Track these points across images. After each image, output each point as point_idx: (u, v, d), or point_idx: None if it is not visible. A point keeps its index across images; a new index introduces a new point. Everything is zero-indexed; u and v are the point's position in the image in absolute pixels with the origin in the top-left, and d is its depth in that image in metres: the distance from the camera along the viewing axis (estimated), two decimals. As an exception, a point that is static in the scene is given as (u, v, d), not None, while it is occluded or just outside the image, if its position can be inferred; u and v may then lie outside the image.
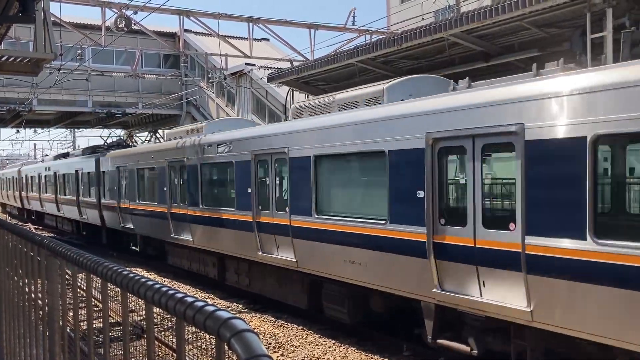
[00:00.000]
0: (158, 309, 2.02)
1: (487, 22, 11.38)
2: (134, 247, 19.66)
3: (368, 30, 26.81)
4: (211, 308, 1.53)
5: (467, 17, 11.74)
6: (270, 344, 10.25)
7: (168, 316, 2.61)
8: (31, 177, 34.23)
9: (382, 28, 29.88)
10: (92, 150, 24.49)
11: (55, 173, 27.99)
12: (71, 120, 39.50)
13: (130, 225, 18.99)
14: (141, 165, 17.55)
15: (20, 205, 38.64)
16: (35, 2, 6.61)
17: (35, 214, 35.85)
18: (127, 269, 2.44)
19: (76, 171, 24.34)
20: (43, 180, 30.84)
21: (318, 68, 16.49)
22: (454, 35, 12.31)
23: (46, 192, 30.28)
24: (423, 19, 19.60)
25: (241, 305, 13.24)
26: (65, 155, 30.52)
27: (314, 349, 9.87)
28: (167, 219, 15.68)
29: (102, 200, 21.43)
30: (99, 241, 23.49)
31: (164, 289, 1.87)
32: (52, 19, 8.56)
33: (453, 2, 25.21)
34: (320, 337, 10.50)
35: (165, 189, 15.61)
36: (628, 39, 8.97)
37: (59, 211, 28.08)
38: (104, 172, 21.16)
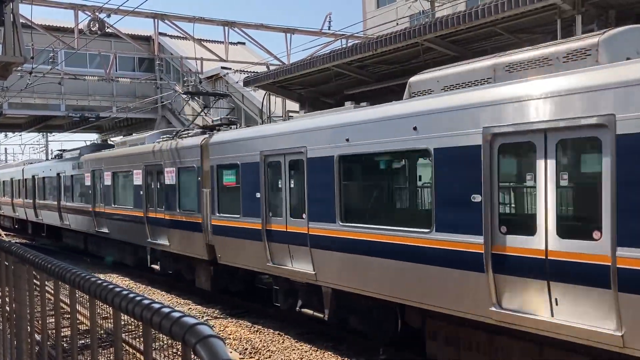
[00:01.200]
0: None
1: (461, 27, 11.52)
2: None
3: (344, 34, 26.92)
4: (177, 314, 1.52)
5: (441, 22, 11.86)
6: (246, 349, 10.19)
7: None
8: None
9: (358, 32, 30.06)
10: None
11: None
12: (44, 124, 38.88)
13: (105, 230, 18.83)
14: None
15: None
16: (4, 4, 6.50)
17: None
18: (95, 275, 2.41)
19: (58, 174, 23.77)
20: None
21: (294, 72, 16.50)
22: (428, 40, 12.42)
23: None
24: (398, 23, 19.78)
25: (217, 311, 13.14)
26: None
27: (291, 353, 9.84)
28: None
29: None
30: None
31: (131, 295, 1.85)
32: (22, 21, 8.41)
33: (428, 7, 25.47)
34: (297, 342, 10.47)
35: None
36: None
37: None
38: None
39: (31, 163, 31.20)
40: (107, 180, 18.34)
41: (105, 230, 18.72)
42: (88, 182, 20.03)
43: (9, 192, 32.02)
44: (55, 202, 23.62)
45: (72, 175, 21.88)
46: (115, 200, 17.76)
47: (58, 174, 23.57)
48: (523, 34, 11.86)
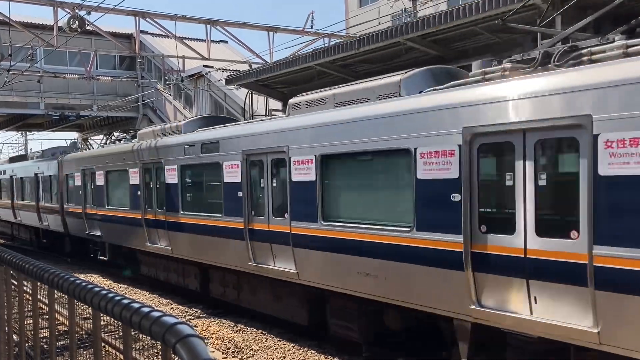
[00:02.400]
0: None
1: (442, 27, 11.59)
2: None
3: (326, 33, 26.95)
4: (157, 314, 1.51)
5: (422, 22, 11.92)
6: (229, 348, 10.17)
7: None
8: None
9: (341, 31, 30.08)
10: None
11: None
12: (22, 122, 38.31)
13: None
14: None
15: None
16: (-19, 0, 6.39)
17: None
18: (75, 275, 2.38)
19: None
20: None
21: (277, 71, 16.46)
22: (410, 39, 12.47)
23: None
24: (380, 23, 19.83)
25: (200, 311, 13.08)
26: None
27: (274, 352, 9.83)
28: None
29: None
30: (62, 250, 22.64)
31: (110, 295, 1.84)
32: (0, 18, 8.29)
33: (410, 7, 25.58)
34: (279, 341, 10.47)
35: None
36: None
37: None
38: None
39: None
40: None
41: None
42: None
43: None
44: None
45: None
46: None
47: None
48: (504, 34, 11.97)
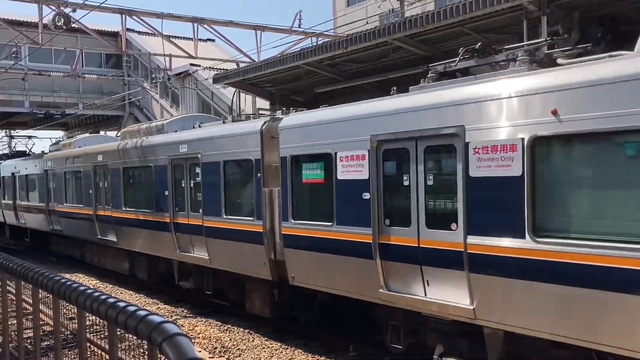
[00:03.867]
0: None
1: (429, 27, 11.61)
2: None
3: (314, 32, 26.92)
4: (143, 313, 1.49)
5: (409, 21, 11.95)
6: (216, 348, 10.12)
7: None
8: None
9: (328, 30, 30.08)
10: None
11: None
12: (6, 121, 37.89)
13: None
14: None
15: None
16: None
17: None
18: (60, 275, 2.36)
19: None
20: None
21: (264, 70, 16.40)
22: (398, 39, 12.50)
23: None
24: (367, 22, 19.85)
25: (186, 310, 13.02)
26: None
27: (261, 352, 9.81)
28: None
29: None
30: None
31: (96, 294, 1.82)
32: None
33: (397, 7, 25.64)
34: (267, 340, 10.45)
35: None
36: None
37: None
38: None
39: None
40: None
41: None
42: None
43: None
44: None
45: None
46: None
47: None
48: (491, 34, 12.03)
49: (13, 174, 24.81)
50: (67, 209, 18.71)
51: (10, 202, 25.04)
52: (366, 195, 7.92)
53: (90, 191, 16.70)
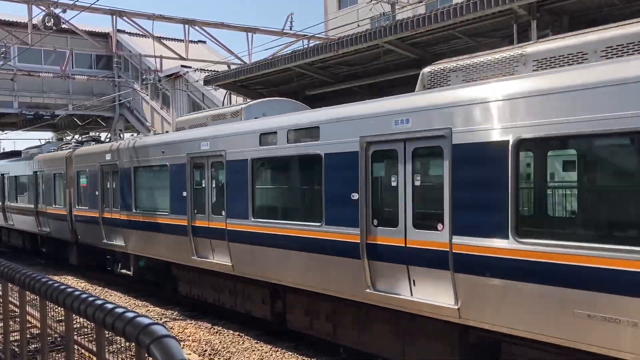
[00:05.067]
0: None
1: (420, 30, 11.67)
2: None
3: (306, 35, 26.93)
4: (130, 314, 1.48)
5: (401, 25, 12.00)
6: (205, 350, 10.08)
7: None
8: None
9: (320, 33, 30.11)
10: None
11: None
12: (-5, 121, 37.61)
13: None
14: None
15: None
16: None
17: None
18: (47, 276, 2.34)
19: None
20: None
21: (255, 72, 16.41)
22: (389, 42, 12.55)
23: None
24: (359, 25, 19.90)
25: (176, 313, 12.96)
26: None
27: (251, 354, 9.78)
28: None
29: None
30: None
31: (83, 296, 1.80)
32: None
33: (389, 10, 25.72)
34: (257, 343, 10.41)
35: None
36: None
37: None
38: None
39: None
40: None
41: None
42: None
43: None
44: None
45: None
46: None
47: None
48: (481, 38, 12.10)
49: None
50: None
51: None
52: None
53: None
